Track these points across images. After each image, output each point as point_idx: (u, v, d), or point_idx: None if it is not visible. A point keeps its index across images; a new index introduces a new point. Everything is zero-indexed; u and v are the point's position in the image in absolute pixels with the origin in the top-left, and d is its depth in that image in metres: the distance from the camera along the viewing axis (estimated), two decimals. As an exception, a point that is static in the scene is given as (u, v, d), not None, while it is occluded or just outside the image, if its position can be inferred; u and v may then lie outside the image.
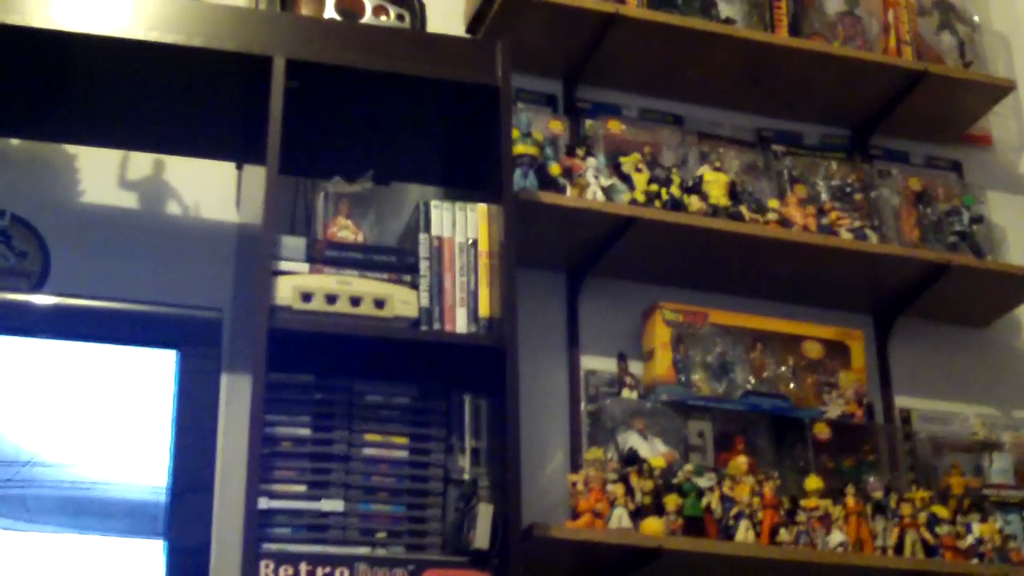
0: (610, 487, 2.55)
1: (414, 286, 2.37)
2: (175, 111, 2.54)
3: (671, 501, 2.57)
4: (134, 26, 2.32)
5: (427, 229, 2.43)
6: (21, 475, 2.10)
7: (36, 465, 2.12)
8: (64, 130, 2.60)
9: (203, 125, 2.59)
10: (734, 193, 2.90)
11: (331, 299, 2.30)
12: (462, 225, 2.45)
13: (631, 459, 2.61)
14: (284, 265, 2.31)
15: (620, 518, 2.51)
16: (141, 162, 2.72)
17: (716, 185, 2.88)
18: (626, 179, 2.84)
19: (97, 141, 2.65)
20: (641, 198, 2.80)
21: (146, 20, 2.32)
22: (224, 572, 2.16)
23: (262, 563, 2.11)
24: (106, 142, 2.65)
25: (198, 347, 2.19)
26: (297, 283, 2.30)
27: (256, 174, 2.41)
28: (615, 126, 2.94)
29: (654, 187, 2.82)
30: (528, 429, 2.43)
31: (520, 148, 2.70)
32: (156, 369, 2.19)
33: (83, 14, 2.30)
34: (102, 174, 2.70)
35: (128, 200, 2.70)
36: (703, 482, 2.63)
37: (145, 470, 2.14)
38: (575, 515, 2.54)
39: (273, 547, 2.16)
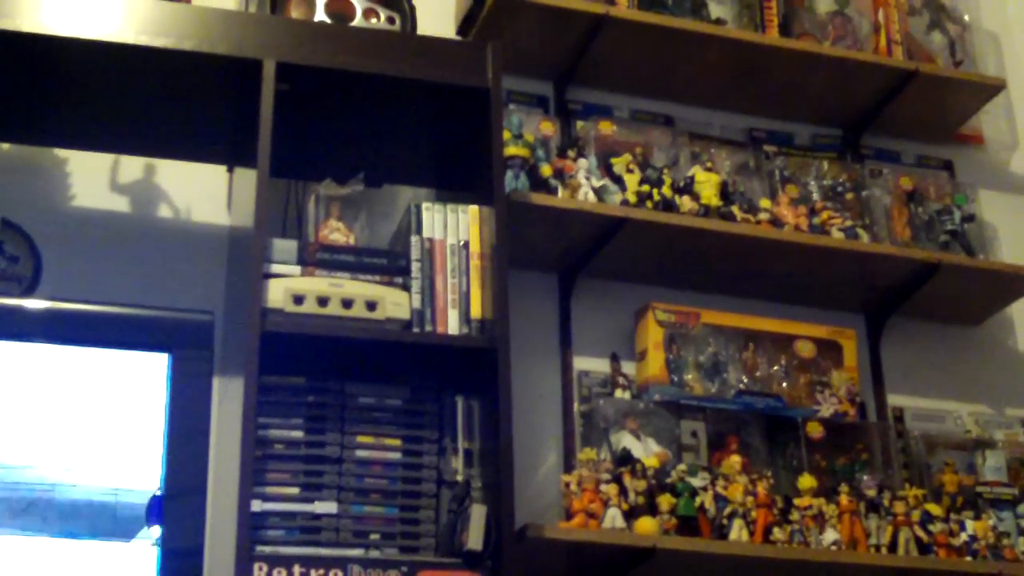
0: (604, 487, 2.55)
1: (406, 288, 2.37)
2: (166, 114, 2.54)
3: (665, 501, 2.57)
4: (124, 30, 2.31)
5: (418, 231, 2.43)
6: (11, 478, 2.10)
7: (27, 468, 2.11)
8: (55, 134, 2.60)
9: (194, 128, 2.59)
10: (725, 193, 2.90)
11: (323, 301, 2.30)
12: (453, 227, 2.45)
13: (624, 459, 2.61)
14: (276, 268, 2.31)
15: (614, 518, 2.51)
16: (132, 165, 2.72)
17: (707, 185, 2.88)
18: (617, 180, 2.84)
19: (88, 145, 2.65)
20: (632, 199, 2.80)
21: (136, 24, 2.32)
22: (217, 575, 2.15)
23: (255, 565, 2.10)
24: (97, 146, 2.65)
25: (190, 350, 2.18)
26: (289, 286, 2.29)
27: (247, 177, 2.40)
28: (606, 127, 2.94)
29: (645, 188, 2.82)
30: (521, 430, 2.44)
31: (511, 150, 2.70)
32: (148, 373, 2.18)
33: (73, 18, 2.30)
34: (93, 178, 2.70)
35: (119, 204, 2.70)
36: (696, 482, 2.63)
37: (138, 474, 2.14)
38: (569, 516, 2.53)
39: (266, 549, 2.16)
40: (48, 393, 2.15)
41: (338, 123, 2.57)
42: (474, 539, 2.18)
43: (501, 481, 2.22)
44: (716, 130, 3.15)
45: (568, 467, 2.74)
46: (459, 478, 2.32)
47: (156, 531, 2.08)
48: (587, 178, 2.81)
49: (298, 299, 2.28)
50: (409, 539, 2.27)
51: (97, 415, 2.16)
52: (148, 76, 2.42)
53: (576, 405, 2.83)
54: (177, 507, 2.09)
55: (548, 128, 2.89)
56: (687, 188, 2.87)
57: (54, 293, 2.38)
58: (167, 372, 2.17)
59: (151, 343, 2.19)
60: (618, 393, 2.80)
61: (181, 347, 2.18)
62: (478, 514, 2.19)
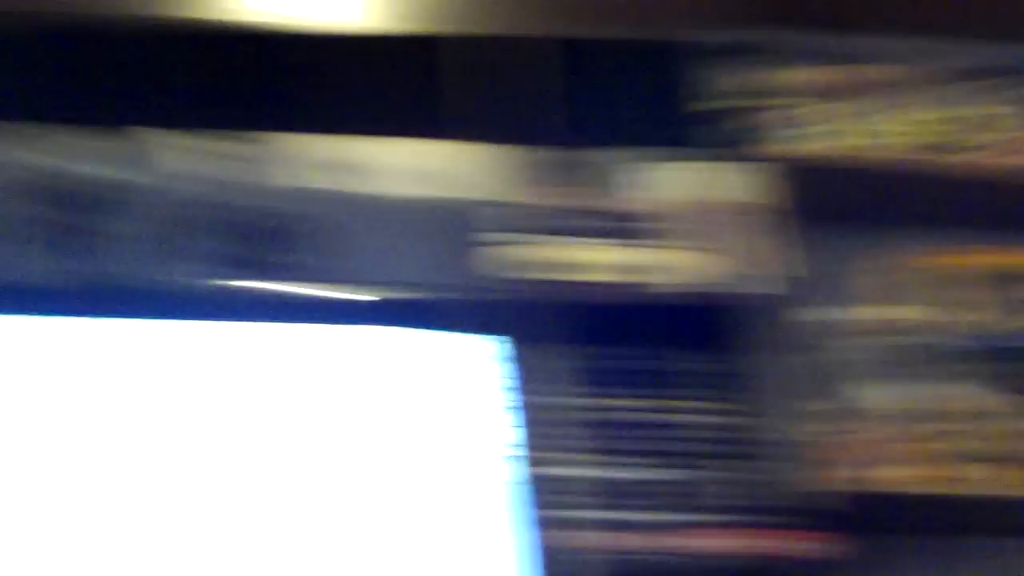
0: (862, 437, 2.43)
1: (690, 251, 2.37)
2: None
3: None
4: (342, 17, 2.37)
5: (652, 190, 2.42)
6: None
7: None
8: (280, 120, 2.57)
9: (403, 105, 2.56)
10: (958, 130, 2.77)
11: (567, 269, 2.30)
12: (684, 184, 2.43)
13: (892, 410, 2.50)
14: (501, 237, 2.31)
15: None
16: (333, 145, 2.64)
17: (929, 123, 2.77)
18: (838, 127, 2.73)
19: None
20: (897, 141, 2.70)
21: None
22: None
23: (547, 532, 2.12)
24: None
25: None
26: (528, 254, 2.30)
27: (460, 149, 2.40)
28: (809, 74, 2.83)
29: (886, 130, 2.72)
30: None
31: (714, 103, 2.61)
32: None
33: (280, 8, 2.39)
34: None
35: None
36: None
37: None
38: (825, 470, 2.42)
39: (556, 514, 2.15)
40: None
41: (553, 89, 2.54)
42: (767, 497, 2.12)
43: (785, 442, 2.20)
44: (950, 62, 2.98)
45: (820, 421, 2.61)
46: (747, 436, 2.28)
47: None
48: (804, 126, 2.71)
49: (544, 268, 2.29)
50: (696, 500, 2.23)
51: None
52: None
53: (818, 354, 2.69)
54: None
55: (754, 79, 2.79)
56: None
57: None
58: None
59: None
60: (862, 341, 2.67)
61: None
62: (767, 472, 2.17)
